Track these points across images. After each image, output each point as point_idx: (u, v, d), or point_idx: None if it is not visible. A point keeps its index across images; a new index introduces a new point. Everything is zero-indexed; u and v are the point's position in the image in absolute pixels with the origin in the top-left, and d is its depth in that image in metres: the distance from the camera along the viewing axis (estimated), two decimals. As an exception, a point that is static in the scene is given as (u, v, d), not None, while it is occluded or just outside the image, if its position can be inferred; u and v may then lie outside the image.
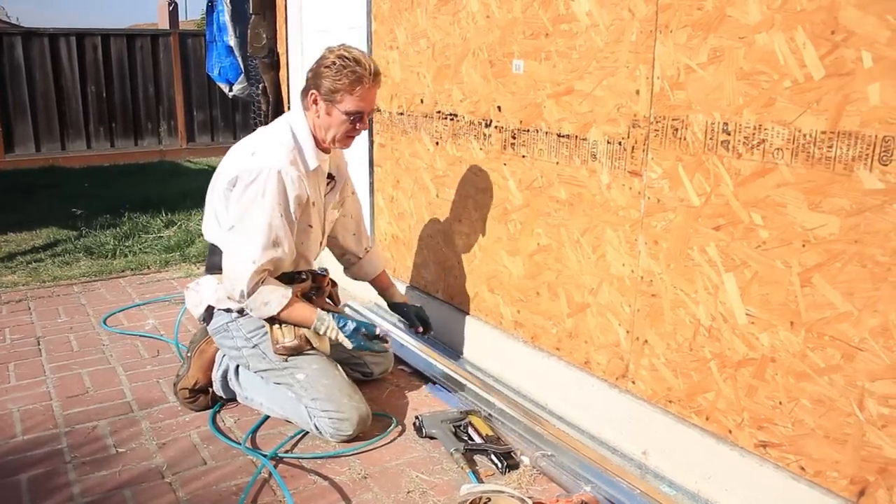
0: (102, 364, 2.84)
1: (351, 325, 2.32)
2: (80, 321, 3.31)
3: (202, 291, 2.42)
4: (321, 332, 2.31)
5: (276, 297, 2.24)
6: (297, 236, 2.33)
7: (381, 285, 2.75)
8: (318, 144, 2.33)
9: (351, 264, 2.74)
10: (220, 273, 2.33)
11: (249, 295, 2.21)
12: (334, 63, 2.19)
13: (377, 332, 2.38)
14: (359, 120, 2.26)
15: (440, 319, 2.87)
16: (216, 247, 2.36)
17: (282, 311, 2.25)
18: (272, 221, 2.19)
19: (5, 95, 8.42)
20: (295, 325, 2.30)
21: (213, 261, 2.39)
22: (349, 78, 2.18)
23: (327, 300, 2.58)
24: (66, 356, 2.92)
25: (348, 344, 2.31)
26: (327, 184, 2.45)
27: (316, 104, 2.25)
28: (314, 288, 2.43)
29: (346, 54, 2.20)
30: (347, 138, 2.31)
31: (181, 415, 2.43)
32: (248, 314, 2.32)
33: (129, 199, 5.92)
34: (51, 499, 1.96)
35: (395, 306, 2.74)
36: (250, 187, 2.18)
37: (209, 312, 2.40)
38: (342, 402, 2.25)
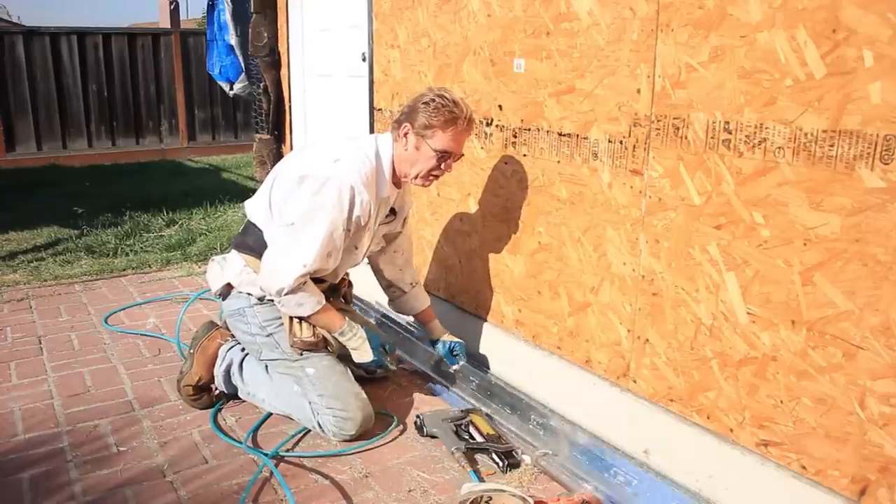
0: (104, 363, 2.85)
1: (375, 341, 2.36)
2: (81, 320, 3.32)
3: (226, 268, 2.42)
4: (343, 341, 2.33)
5: (311, 302, 2.25)
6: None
7: (423, 319, 2.73)
8: (394, 177, 2.34)
9: (396, 297, 2.73)
10: (249, 253, 2.33)
11: (288, 294, 2.21)
12: (433, 100, 2.20)
13: (396, 352, 2.44)
14: (445, 159, 2.26)
15: (441, 318, 2.87)
16: (253, 227, 2.36)
17: (312, 315, 2.27)
18: (334, 232, 2.19)
19: (6, 94, 8.43)
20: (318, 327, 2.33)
21: (244, 240, 2.38)
22: (445, 116, 2.19)
23: (340, 299, 2.58)
24: (68, 355, 2.92)
25: (369, 358, 2.34)
26: (386, 216, 2.45)
27: (406, 137, 2.25)
28: (331, 288, 2.43)
29: (446, 94, 2.22)
30: (430, 177, 2.30)
31: (182, 413, 2.44)
32: (266, 303, 2.33)
33: (131, 198, 5.93)
34: (52, 497, 1.96)
35: (433, 342, 2.71)
36: (322, 192, 2.17)
37: (227, 290, 2.40)
38: (348, 401, 2.25)
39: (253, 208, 2.39)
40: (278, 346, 2.35)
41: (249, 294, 2.35)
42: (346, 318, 2.34)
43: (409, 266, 2.71)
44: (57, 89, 8.72)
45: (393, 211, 2.48)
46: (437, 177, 2.32)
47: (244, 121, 9.87)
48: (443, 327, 2.71)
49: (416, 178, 2.30)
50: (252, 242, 2.34)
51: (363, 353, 2.34)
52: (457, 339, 2.66)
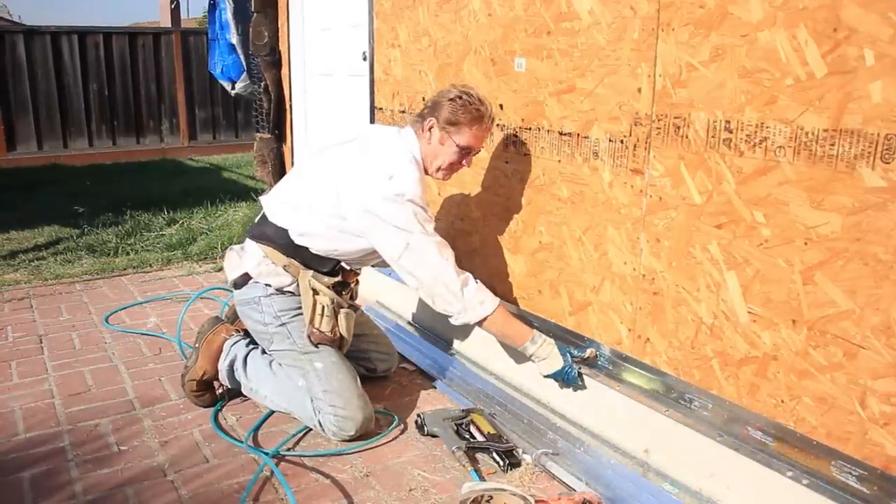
0: (104, 362, 2.85)
1: (561, 349, 2.25)
2: (82, 319, 3.32)
3: (245, 258, 2.41)
4: (532, 351, 2.25)
5: (488, 296, 2.26)
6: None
7: None
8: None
9: None
10: (268, 243, 2.34)
11: (465, 289, 2.22)
12: (459, 97, 2.26)
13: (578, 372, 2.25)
14: (466, 154, 2.32)
15: (441, 318, 2.86)
16: (267, 218, 2.37)
17: (494, 310, 2.23)
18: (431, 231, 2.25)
19: (7, 94, 8.43)
20: (504, 337, 2.32)
21: (263, 231, 2.38)
22: (471, 114, 2.25)
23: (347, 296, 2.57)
24: (68, 354, 2.92)
25: (559, 366, 2.22)
26: None
27: (431, 131, 2.31)
28: (341, 283, 2.42)
29: (472, 92, 2.29)
30: (450, 171, 2.36)
31: (183, 413, 2.44)
32: (284, 293, 2.34)
33: (131, 198, 5.93)
34: (53, 497, 1.96)
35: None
36: (405, 217, 2.19)
37: (244, 280, 2.40)
38: (350, 401, 2.25)
39: (272, 208, 2.39)
40: (290, 336, 2.35)
41: (268, 285, 2.35)
42: (534, 330, 2.28)
43: None
44: (58, 88, 8.72)
45: None
46: (454, 171, 2.37)
47: (245, 120, 9.87)
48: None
49: (437, 170, 2.35)
50: (272, 233, 2.34)
51: (553, 363, 2.24)
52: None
